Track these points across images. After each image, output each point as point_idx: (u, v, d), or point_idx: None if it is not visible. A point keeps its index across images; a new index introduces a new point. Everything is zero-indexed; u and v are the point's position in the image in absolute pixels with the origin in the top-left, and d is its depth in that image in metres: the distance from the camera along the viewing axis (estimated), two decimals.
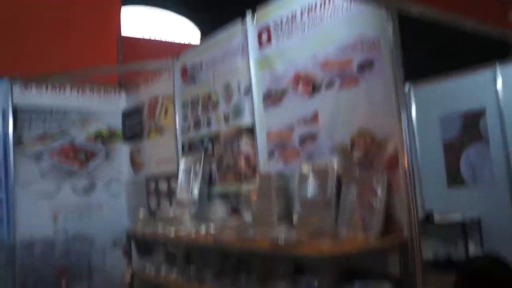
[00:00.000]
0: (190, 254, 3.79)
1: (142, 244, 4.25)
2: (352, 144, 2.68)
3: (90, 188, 4.79)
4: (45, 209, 4.53)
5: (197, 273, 3.17)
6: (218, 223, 3.09)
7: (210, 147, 3.78)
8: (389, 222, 2.43)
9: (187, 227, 3.15)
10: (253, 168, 3.32)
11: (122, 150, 5.00)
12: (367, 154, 2.60)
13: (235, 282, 2.83)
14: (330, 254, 2.00)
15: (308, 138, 2.95)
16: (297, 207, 2.74)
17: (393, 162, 2.45)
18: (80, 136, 4.80)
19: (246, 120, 3.39)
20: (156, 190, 4.48)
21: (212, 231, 2.94)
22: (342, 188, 2.66)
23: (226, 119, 3.60)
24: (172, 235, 3.17)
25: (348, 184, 2.64)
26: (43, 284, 4.02)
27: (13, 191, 4.40)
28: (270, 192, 2.91)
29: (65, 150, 4.70)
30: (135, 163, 4.87)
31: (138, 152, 4.82)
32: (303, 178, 2.89)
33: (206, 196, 3.73)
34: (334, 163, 2.72)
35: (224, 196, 3.60)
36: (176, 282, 3.09)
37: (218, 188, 3.69)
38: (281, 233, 2.47)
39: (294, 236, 2.37)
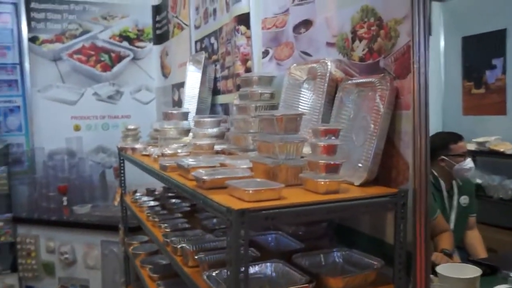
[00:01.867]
0: None
1: None
2: (354, 33, 1.68)
3: (115, 95, 4.27)
4: (65, 117, 4.13)
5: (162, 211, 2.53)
6: (195, 143, 2.32)
7: (216, 45, 2.94)
8: (388, 159, 1.49)
9: (158, 147, 2.43)
10: (248, 70, 2.46)
11: (153, 52, 4.34)
12: (371, 47, 1.60)
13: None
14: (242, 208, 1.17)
15: (303, 24, 1.98)
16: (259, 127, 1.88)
17: (405, 60, 1.44)
18: (103, 35, 4.22)
19: (243, 4, 2.46)
20: (178, 99, 3.80)
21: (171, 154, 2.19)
22: (335, 100, 1.73)
23: (227, 5, 2.69)
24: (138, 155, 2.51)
25: (343, 93, 1.69)
26: (46, 199, 3.68)
27: (30, 96, 4.03)
28: (249, 104, 2.04)
29: (86, 51, 4.17)
30: (164, 67, 4.21)
31: (166, 54, 4.13)
32: (290, 84, 1.98)
33: (208, 108, 2.97)
34: (328, 61, 1.76)
35: (226, 109, 2.81)
36: (146, 217, 2.46)
37: (220, 98, 2.90)
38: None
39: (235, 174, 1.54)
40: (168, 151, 2.19)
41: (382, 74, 1.52)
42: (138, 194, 3.00)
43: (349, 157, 1.53)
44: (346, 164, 1.46)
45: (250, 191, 1.26)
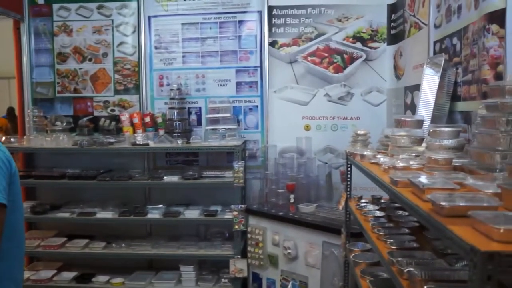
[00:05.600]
0: None
1: None
2: None
3: (346, 96, 4.26)
4: (297, 117, 4.29)
5: None
6: (429, 157, 2.12)
7: (458, 46, 2.66)
8: None
9: (388, 155, 2.32)
10: (498, 76, 2.13)
11: (386, 53, 4.19)
12: None
13: None
14: None
15: None
16: None
17: None
18: (337, 36, 4.24)
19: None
20: (411, 102, 3.58)
21: None
22: None
23: (476, 1, 2.39)
24: None
25: None
26: (276, 195, 3.87)
27: (267, 97, 4.32)
28: (499, 117, 1.76)
29: (320, 53, 4.25)
30: (397, 68, 4.02)
31: (400, 55, 3.93)
32: None
33: (445, 115, 2.71)
34: None
35: (466, 117, 2.52)
36: (370, 228, 2.37)
37: (460, 105, 2.60)
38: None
39: None
40: (400, 163, 2.04)
41: None
42: (363, 201, 2.93)
43: None
44: None
45: (502, 230, 1.06)
